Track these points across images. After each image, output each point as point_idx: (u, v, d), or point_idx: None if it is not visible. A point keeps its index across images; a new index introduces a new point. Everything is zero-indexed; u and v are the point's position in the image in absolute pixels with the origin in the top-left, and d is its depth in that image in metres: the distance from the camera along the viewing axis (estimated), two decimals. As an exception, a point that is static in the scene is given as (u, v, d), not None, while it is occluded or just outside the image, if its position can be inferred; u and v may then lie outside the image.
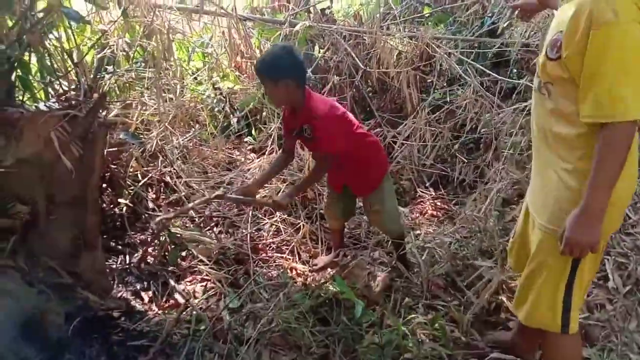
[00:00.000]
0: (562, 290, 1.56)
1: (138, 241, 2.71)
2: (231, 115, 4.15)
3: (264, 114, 4.01)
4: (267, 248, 2.78)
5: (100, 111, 1.93)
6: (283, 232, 2.92)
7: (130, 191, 2.83)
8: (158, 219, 2.33)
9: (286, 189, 3.13)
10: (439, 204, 3.49)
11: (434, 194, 3.54)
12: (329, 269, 2.70)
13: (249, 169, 3.49)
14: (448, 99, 3.45)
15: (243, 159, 3.74)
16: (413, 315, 2.20)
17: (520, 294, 1.69)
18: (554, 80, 1.46)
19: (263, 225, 2.96)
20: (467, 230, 2.94)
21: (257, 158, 3.66)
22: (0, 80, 2.04)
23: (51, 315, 2.01)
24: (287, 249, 2.83)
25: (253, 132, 4.14)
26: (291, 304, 2.19)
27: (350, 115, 2.44)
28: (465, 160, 3.50)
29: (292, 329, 2.08)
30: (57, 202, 2.10)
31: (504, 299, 2.31)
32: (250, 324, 2.16)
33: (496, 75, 3.23)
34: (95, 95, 1.95)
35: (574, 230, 1.41)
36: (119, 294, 2.34)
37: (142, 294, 2.35)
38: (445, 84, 3.60)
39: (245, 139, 4.13)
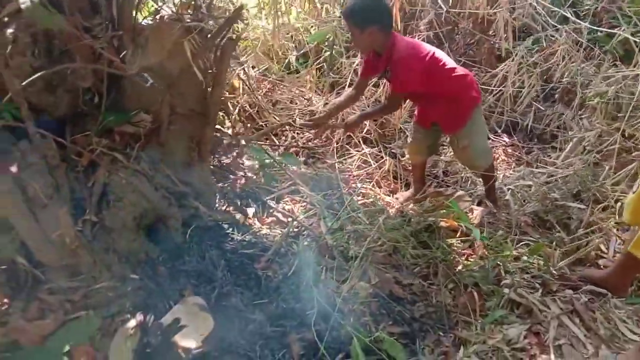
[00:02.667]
0: None
1: (225, 163, 2.81)
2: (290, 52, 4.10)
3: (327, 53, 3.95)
4: (355, 178, 2.86)
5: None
6: (365, 166, 2.99)
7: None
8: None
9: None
10: (510, 150, 3.53)
11: (507, 140, 3.57)
12: (410, 203, 2.78)
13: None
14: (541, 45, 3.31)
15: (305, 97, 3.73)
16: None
17: None
18: None
19: (347, 158, 3.02)
20: (547, 175, 2.99)
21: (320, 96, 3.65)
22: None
23: (171, 220, 2.13)
24: (370, 182, 2.91)
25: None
26: (391, 228, 2.28)
27: (440, 54, 2.44)
28: (542, 108, 3.49)
29: (396, 248, 2.18)
30: (177, 113, 2.16)
31: (596, 239, 2.37)
32: (352, 243, 2.26)
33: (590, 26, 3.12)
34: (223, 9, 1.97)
35: None
36: (223, 208, 2.45)
37: (246, 209, 2.45)
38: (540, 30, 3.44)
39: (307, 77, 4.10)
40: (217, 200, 2.48)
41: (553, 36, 2.99)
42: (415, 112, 2.74)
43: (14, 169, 1.57)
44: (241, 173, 2.80)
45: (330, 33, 3.96)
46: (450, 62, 2.46)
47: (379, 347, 1.78)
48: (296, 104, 3.48)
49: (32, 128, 1.60)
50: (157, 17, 2.07)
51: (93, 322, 1.73)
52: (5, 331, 1.66)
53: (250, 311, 1.91)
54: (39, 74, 1.57)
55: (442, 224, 2.33)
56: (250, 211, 2.45)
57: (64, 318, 1.73)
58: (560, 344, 1.93)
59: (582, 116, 3.09)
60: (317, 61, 4.00)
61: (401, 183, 3.01)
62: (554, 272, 2.24)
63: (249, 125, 3.13)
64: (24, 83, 1.54)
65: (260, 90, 3.49)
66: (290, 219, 2.39)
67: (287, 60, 4.03)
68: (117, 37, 1.98)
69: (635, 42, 2.80)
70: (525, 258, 2.27)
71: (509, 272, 2.21)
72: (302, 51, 4.07)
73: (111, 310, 1.81)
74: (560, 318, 2.03)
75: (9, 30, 1.74)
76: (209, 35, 1.97)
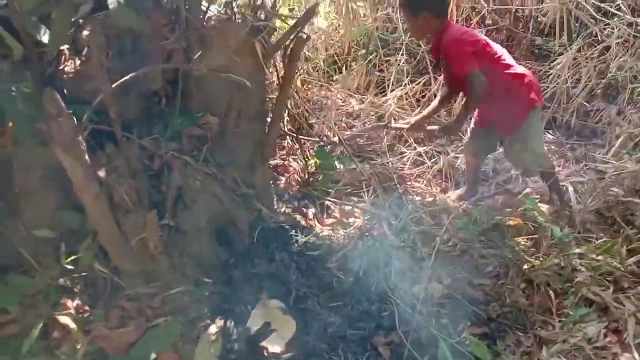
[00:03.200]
0: None
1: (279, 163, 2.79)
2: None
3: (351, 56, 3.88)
4: (410, 177, 2.83)
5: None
6: (417, 165, 2.97)
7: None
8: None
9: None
10: (553, 147, 3.49)
11: (549, 137, 3.53)
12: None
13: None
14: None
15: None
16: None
17: None
18: None
19: (399, 157, 3.00)
20: (596, 172, 2.95)
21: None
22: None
23: (239, 223, 2.10)
24: (422, 180, 2.88)
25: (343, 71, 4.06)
26: (459, 227, 2.25)
27: (495, 46, 2.41)
28: (585, 104, 3.46)
29: (465, 248, 2.15)
30: (242, 115, 2.14)
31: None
32: (419, 243, 2.23)
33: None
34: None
35: None
36: (282, 210, 2.43)
37: (305, 210, 2.43)
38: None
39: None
40: (275, 202, 2.45)
41: (604, 29, 2.94)
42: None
43: (101, 173, 1.55)
44: (291, 174, 2.78)
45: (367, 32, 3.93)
46: (507, 57, 2.42)
47: (464, 348, 1.75)
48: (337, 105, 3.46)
49: (119, 131, 1.57)
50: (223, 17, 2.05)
51: (174, 329, 1.71)
52: (90, 339, 1.64)
53: (327, 314, 1.88)
54: (127, 76, 1.55)
55: (510, 222, 2.30)
56: (310, 212, 2.42)
57: (145, 325, 1.71)
58: (640, 342, 1.90)
59: (631, 112, 3.05)
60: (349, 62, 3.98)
61: (451, 182, 2.97)
62: (621, 269, 2.21)
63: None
64: (114, 85, 1.51)
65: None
66: (352, 220, 2.36)
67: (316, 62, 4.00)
68: (185, 38, 1.95)
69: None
70: (593, 256, 2.23)
71: (576, 269, 2.19)
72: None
73: (189, 316, 1.79)
74: (636, 315, 2.00)
75: (85, 33, 1.72)
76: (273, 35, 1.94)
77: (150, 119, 2.00)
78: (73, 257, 1.71)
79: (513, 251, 2.19)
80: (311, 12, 1.87)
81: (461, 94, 2.71)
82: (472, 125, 2.70)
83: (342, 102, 3.55)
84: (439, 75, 3.12)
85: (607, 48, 2.98)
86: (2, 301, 1.67)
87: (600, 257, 2.24)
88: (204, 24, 2.00)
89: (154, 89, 1.96)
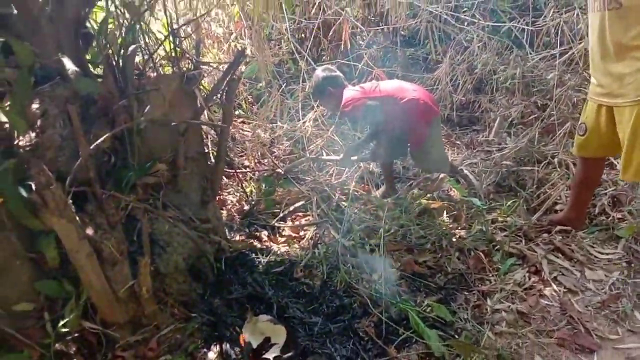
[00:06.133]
0: None
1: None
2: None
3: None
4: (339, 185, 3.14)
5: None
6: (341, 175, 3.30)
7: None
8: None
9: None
10: (444, 140, 4.04)
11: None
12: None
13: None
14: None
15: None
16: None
17: (625, 160, 2.13)
18: None
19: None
20: (484, 152, 3.52)
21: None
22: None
23: (208, 256, 2.24)
24: (347, 188, 3.21)
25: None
26: (395, 217, 2.60)
27: (388, 85, 2.91)
28: (462, 99, 4.06)
29: (407, 232, 2.50)
30: (188, 157, 2.29)
31: (550, 191, 2.89)
32: (366, 238, 2.54)
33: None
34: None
35: None
36: (236, 238, 2.59)
37: (258, 234, 2.62)
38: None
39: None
40: (227, 232, 2.61)
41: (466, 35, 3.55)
42: None
43: (89, 231, 1.62)
44: (231, 206, 2.95)
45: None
46: (399, 92, 2.87)
47: (428, 314, 2.07)
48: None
49: (99, 190, 1.67)
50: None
51: (179, 365, 1.81)
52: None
53: (308, 316, 2.10)
54: (103, 137, 1.66)
55: (433, 205, 2.70)
56: (263, 235, 2.61)
57: (150, 368, 1.79)
58: (555, 276, 2.38)
59: (499, 98, 3.68)
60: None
61: (371, 184, 3.33)
62: (527, 224, 2.71)
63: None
64: (95, 144, 1.62)
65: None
66: (302, 233, 2.60)
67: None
68: (125, 96, 2.07)
69: (524, 29, 3.44)
70: (503, 218, 2.71)
71: (493, 232, 2.64)
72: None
73: (187, 350, 1.89)
74: (547, 257, 2.48)
75: (35, 106, 1.79)
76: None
77: (103, 176, 2.08)
78: (63, 322, 1.75)
79: (442, 228, 2.59)
80: (240, 56, 2.11)
81: None
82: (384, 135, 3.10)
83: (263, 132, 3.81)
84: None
85: (466, 49, 3.59)
86: (-4, 383, 1.66)
87: (508, 219, 2.72)
88: (140, 80, 2.14)
89: (104, 148, 2.04)
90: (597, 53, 2.18)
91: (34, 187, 1.57)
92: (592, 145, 2.34)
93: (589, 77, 2.36)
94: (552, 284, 2.32)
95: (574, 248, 2.52)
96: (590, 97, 2.31)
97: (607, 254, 2.49)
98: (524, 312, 2.15)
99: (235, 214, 2.89)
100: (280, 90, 3.52)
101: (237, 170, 3.01)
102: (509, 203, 2.80)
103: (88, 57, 2.08)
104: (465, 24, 3.36)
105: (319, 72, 3.00)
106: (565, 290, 2.30)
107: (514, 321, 2.10)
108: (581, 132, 2.37)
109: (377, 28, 4.17)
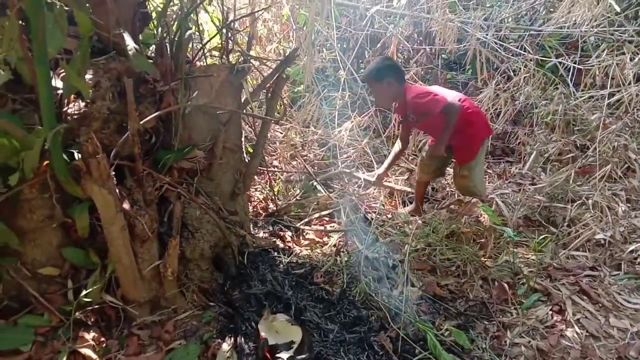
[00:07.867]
0: None
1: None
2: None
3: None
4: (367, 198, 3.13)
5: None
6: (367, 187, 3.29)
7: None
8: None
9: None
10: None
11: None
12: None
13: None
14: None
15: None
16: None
17: None
18: None
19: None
20: (516, 184, 3.48)
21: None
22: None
23: (229, 248, 2.24)
24: (375, 201, 3.19)
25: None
26: (423, 235, 2.57)
27: (447, 91, 2.83)
28: (499, 128, 4.02)
29: (432, 252, 2.46)
30: (226, 148, 2.30)
31: (581, 230, 2.83)
32: (391, 253, 2.51)
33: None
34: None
35: None
36: (260, 235, 2.59)
37: (282, 234, 2.61)
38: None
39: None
40: (252, 228, 2.61)
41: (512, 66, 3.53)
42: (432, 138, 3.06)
43: (126, 205, 1.64)
44: (257, 203, 2.95)
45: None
46: (465, 102, 2.79)
47: (446, 338, 2.04)
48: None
49: (140, 166, 1.68)
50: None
51: (193, 350, 1.80)
52: (112, 368, 1.69)
53: (324, 322, 2.07)
54: (150, 117, 1.67)
55: (464, 230, 2.66)
56: (287, 235, 2.61)
57: (165, 349, 1.79)
58: (578, 318, 2.31)
59: (538, 132, 3.63)
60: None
61: (399, 200, 3.31)
62: (554, 264, 2.65)
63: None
64: (142, 122, 1.63)
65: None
66: (325, 239, 2.59)
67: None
68: (174, 79, 2.10)
69: (574, 67, 3.41)
70: (530, 254, 2.66)
71: (520, 265, 2.59)
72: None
73: (202, 337, 1.89)
74: (572, 298, 2.42)
75: (88, 76, 1.82)
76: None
77: (142, 155, 2.10)
78: (85, 292, 1.76)
79: (469, 253, 2.55)
80: (293, 55, 2.12)
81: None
82: (429, 149, 3.05)
83: (296, 135, 3.82)
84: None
85: (510, 79, 3.56)
86: (13, 342, 1.67)
87: (537, 254, 2.67)
88: (191, 68, 2.17)
89: (147, 127, 2.07)
90: None
91: (79, 154, 1.60)
92: None
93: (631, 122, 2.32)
94: (575, 325, 2.26)
95: (600, 292, 2.45)
96: None
97: (635, 303, 2.41)
98: (544, 350, 2.09)
99: (260, 211, 2.89)
100: (319, 97, 3.53)
101: (268, 169, 3.01)
102: (538, 239, 2.75)
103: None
104: (512, 54, 3.33)
105: (384, 59, 2.86)
106: (587, 334, 2.23)
107: (533, 357, 2.05)
108: None
109: (422, 47, 4.17)
